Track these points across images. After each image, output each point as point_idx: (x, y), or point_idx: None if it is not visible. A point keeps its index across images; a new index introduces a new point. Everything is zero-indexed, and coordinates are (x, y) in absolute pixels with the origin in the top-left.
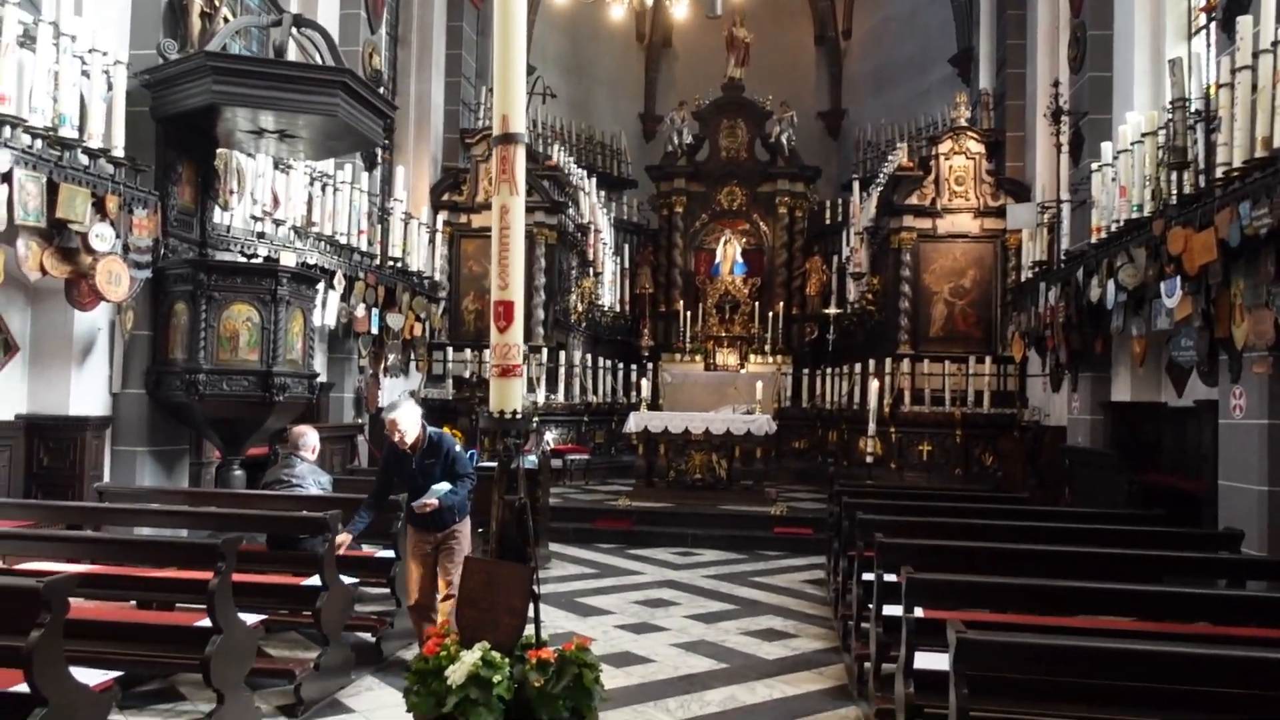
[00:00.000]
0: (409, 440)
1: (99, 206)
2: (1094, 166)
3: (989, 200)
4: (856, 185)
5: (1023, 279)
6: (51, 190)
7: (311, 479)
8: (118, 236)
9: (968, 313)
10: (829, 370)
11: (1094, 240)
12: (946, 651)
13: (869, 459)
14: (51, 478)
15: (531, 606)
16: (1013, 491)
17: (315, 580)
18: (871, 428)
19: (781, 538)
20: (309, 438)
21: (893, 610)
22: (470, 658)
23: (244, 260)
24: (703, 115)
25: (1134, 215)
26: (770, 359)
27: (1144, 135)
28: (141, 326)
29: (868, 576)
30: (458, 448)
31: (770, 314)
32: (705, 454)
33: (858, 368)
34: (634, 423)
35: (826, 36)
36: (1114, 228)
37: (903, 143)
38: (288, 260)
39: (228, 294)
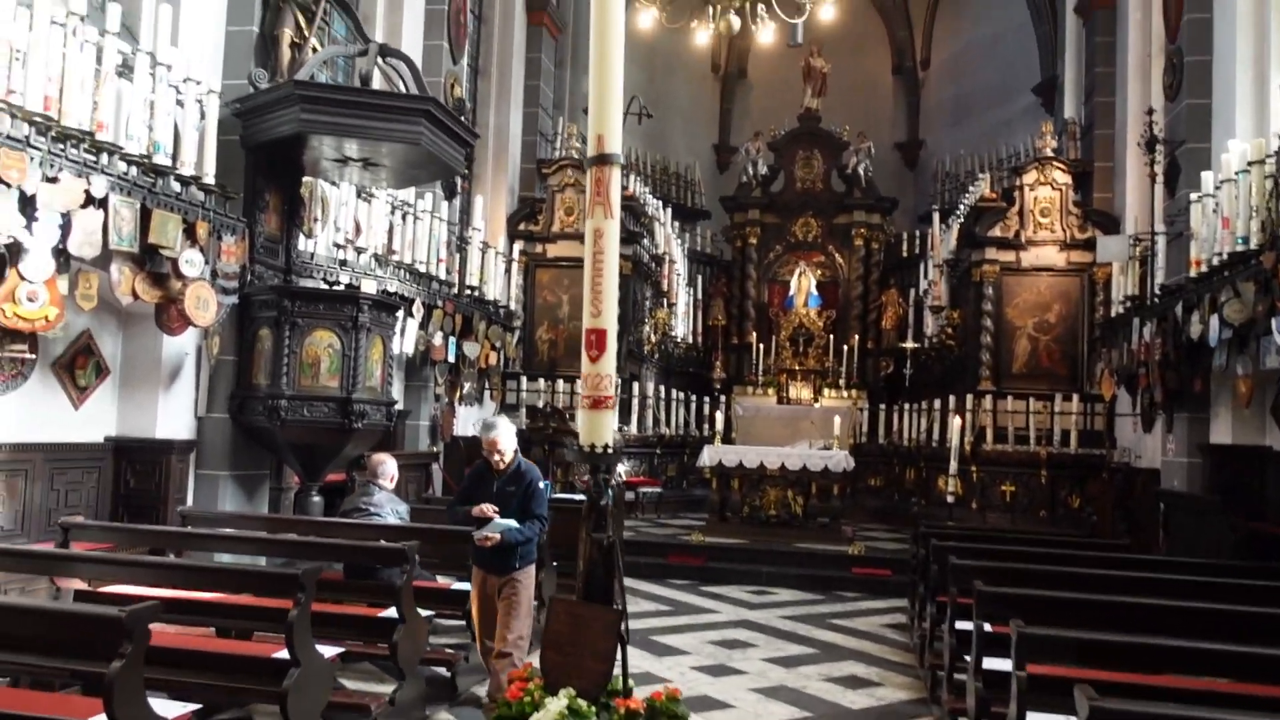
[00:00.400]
0: (506, 460)
1: (189, 233)
2: (1193, 197)
3: (1076, 232)
4: (936, 216)
5: (1113, 314)
6: (144, 216)
7: (389, 508)
8: (206, 262)
9: (1052, 349)
10: (907, 406)
11: (1193, 274)
12: (1061, 714)
13: (950, 499)
14: (138, 499)
15: (620, 652)
16: (1105, 536)
17: (391, 612)
18: (953, 466)
19: (860, 578)
20: (387, 466)
21: (992, 664)
22: (555, 705)
23: (326, 287)
24: (778, 146)
25: (1239, 248)
26: (845, 393)
27: (1250, 164)
28: (227, 352)
29: (963, 625)
30: (541, 484)
31: (845, 348)
32: (780, 490)
33: (937, 404)
34: (708, 456)
35: (904, 66)
36: (1216, 261)
37: (984, 173)
38: (368, 287)
39: (310, 320)
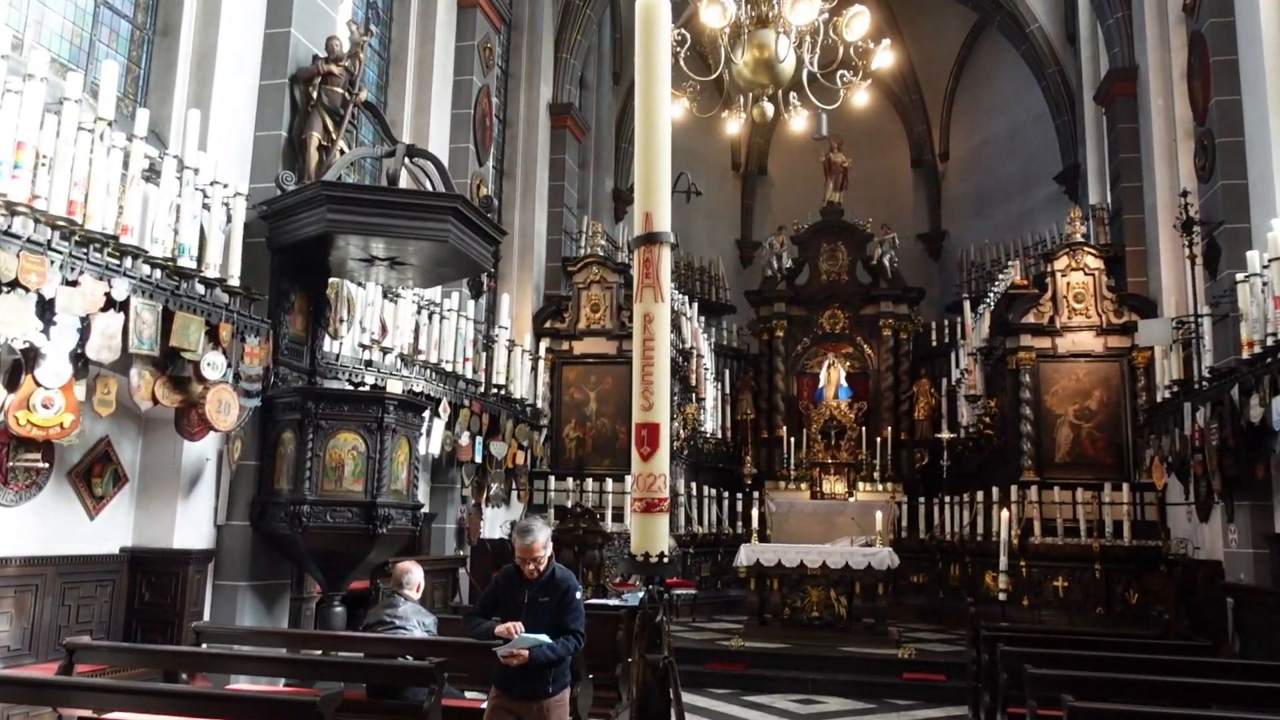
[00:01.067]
0: (542, 568)
1: (212, 335)
2: (1239, 277)
3: (1111, 317)
4: (966, 304)
5: (1159, 399)
6: (166, 319)
7: (415, 620)
8: (229, 365)
9: (1096, 436)
10: (947, 499)
11: (1246, 355)
12: None
13: (1002, 596)
14: (152, 613)
15: None
16: (1174, 634)
17: None
18: (1003, 562)
19: (911, 684)
20: (413, 575)
21: None
22: None
23: (351, 388)
24: (802, 239)
25: None
26: (880, 486)
27: None
28: (249, 456)
29: None
30: (579, 593)
31: (878, 440)
32: (822, 590)
33: (980, 496)
34: (745, 556)
35: (924, 159)
36: (1270, 341)
37: (1013, 260)
38: (394, 388)
39: (335, 422)
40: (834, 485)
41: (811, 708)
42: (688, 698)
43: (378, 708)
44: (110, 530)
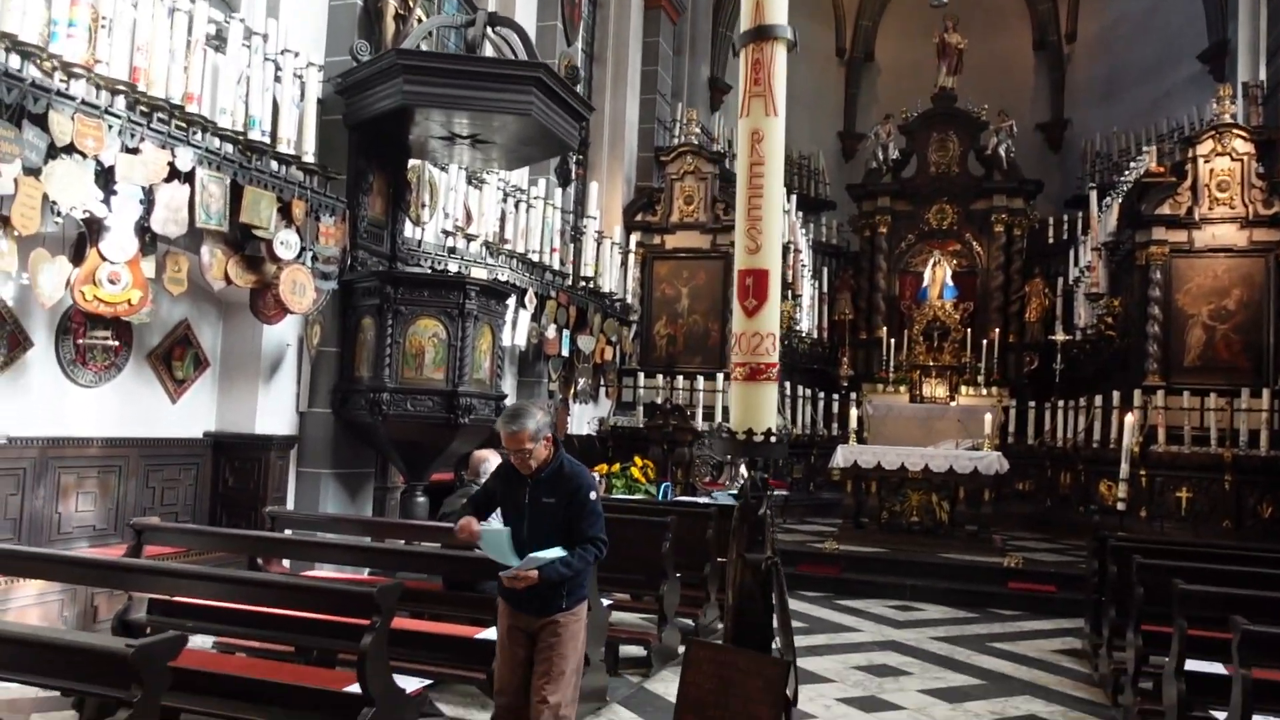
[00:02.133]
0: (534, 463)
1: (284, 212)
2: None
3: (1260, 208)
4: (1093, 195)
5: None
6: (235, 194)
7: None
8: (303, 245)
9: (1232, 339)
10: (1060, 403)
11: None
12: None
13: (1120, 506)
14: (236, 498)
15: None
16: None
17: (490, 633)
18: (1124, 470)
19: (1018, 595)
20: (490, 463)
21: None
22: None
23: (431, 273)
24: (910, 129)
25: None
26: (984, 391)
27: None
28: (329, 343)
29: (1195, 666)
30: (594, 493)
31: (984, 342)
32: (923, 494)
33: (1098, 400)
34: (842, 457)
35: (1047, 41)
36: None
37: (1148, 146)
38: (479, 277)
39: (415, 308)
40: (935, 389)
41: (910, 614)
42: None
43: (454, 599)
44: (192, 414)
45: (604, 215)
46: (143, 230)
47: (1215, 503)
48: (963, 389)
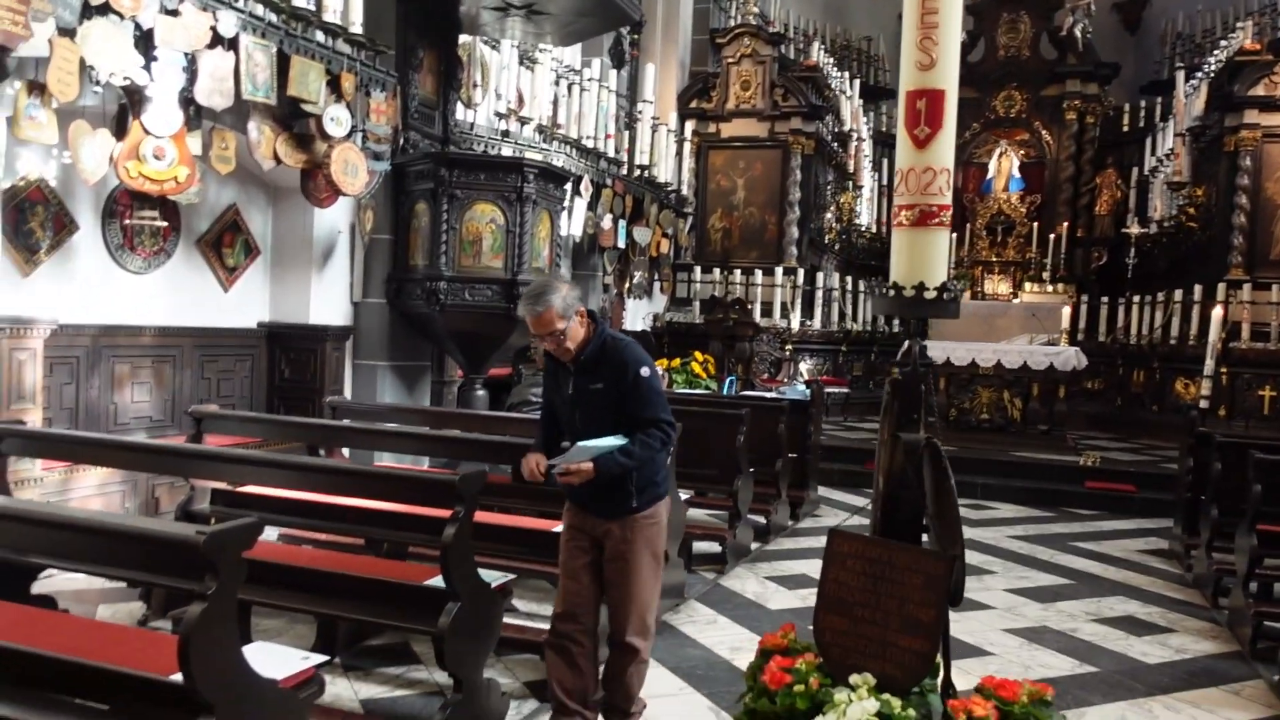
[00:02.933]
0: (571, 345)
1: (334, 86)
2: None
3: None
4: (1180, 75)
5: None
6: (282, 65)
7: None
8: (354, 122)
9: None
10: (1135, 299)
11: None
12: None
13: (1203, 404)
14: (293, 390)
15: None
16: None
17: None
18: (1209, 366)
19: (1095, 494)
20: None
21: None
22: (856, 708)
23: (487, 155)
24: (978, 9)
25: None
26: (1050, 287)
27: None
28: (382, 230)
29: None
30: (648, 369)
31: (1051, 236)
32: (994, 391)
33: (1177, 295)
34: None
35: None
36: None
37: (1242, 22)
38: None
39: (470, 192)
40: (997, 285)
41: (984, 513)
42: (846, 497)
43: (524, 492)
44: (245, 303)
45: (658, 102)
46: (187, 102)
47: None
48: (1027, 285)
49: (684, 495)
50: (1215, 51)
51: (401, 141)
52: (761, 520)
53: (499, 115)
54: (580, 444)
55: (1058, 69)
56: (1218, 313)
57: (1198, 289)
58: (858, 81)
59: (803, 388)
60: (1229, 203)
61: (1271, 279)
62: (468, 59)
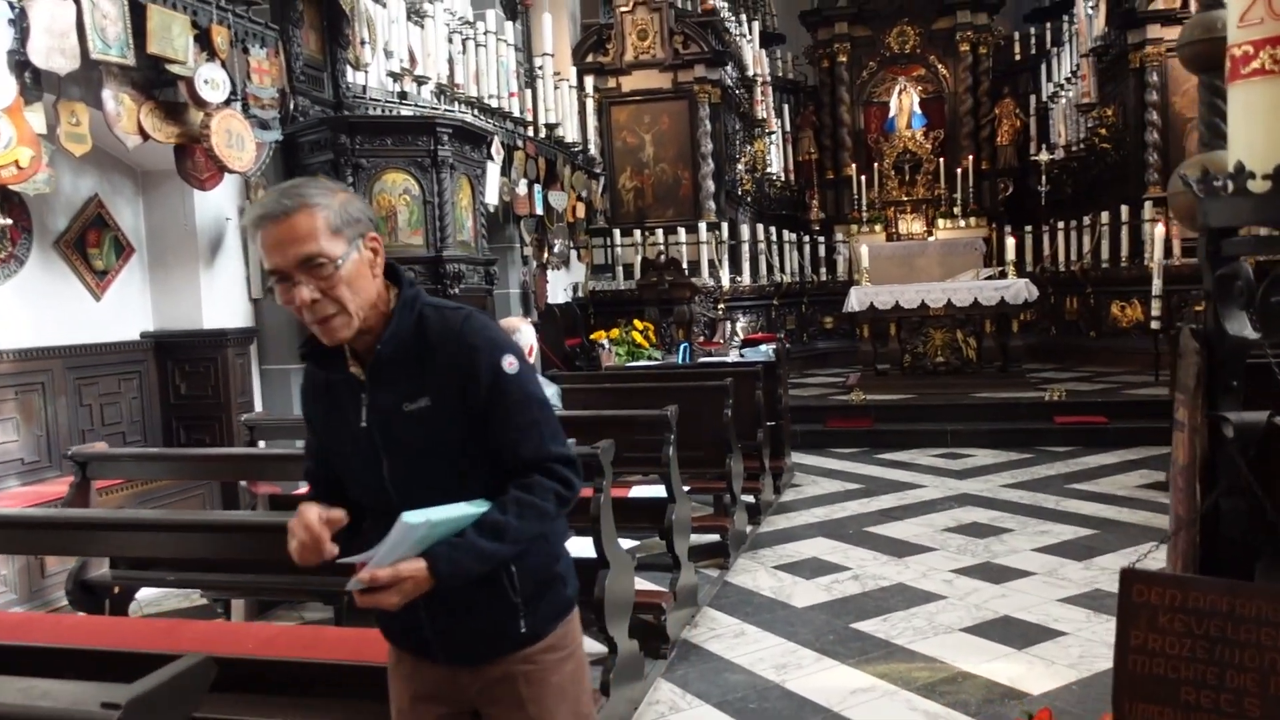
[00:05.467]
0: (351, 306)
1: (204, 42)
2: None
3: None
4: None
5: None
6: (138, 17)
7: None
8: (233, 85)
9: None
10: (1060, 225)
11: None
12: None
13: (1154, 325)
14: (192, 408)
15: None
16: None
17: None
18: (1156, 286)
19: (1066, 429)
20: (523, 335)
21: None
22: None
23: (394, 117)
24: None
25: None
26: (962, 222)
27: None
28: None
29: None
30: (513, 362)
31: (958, 171)
32: (947, 332)
33: (1104, 218)
34: (856, 300)
35: None
36: None
37: None
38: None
39: (377, 160)
40: (911, 225)
41: (962, 461)
42: (818, 460)
43: None
44: (123, 312)
45: (556, 57)
46: (20, 66)
47: None
48: (940, 222)
49: (686, 488)
50: None
51: (291, 107)
52: (751, 499)
53: (392, 76)
54: (404, 520)
55: (947, 1)
56: (1160, 230)
57: (1124, 210)
58: (756, 24)
59: (768, 348)
60: (1141, 121)
61: None
62: (352, 14)
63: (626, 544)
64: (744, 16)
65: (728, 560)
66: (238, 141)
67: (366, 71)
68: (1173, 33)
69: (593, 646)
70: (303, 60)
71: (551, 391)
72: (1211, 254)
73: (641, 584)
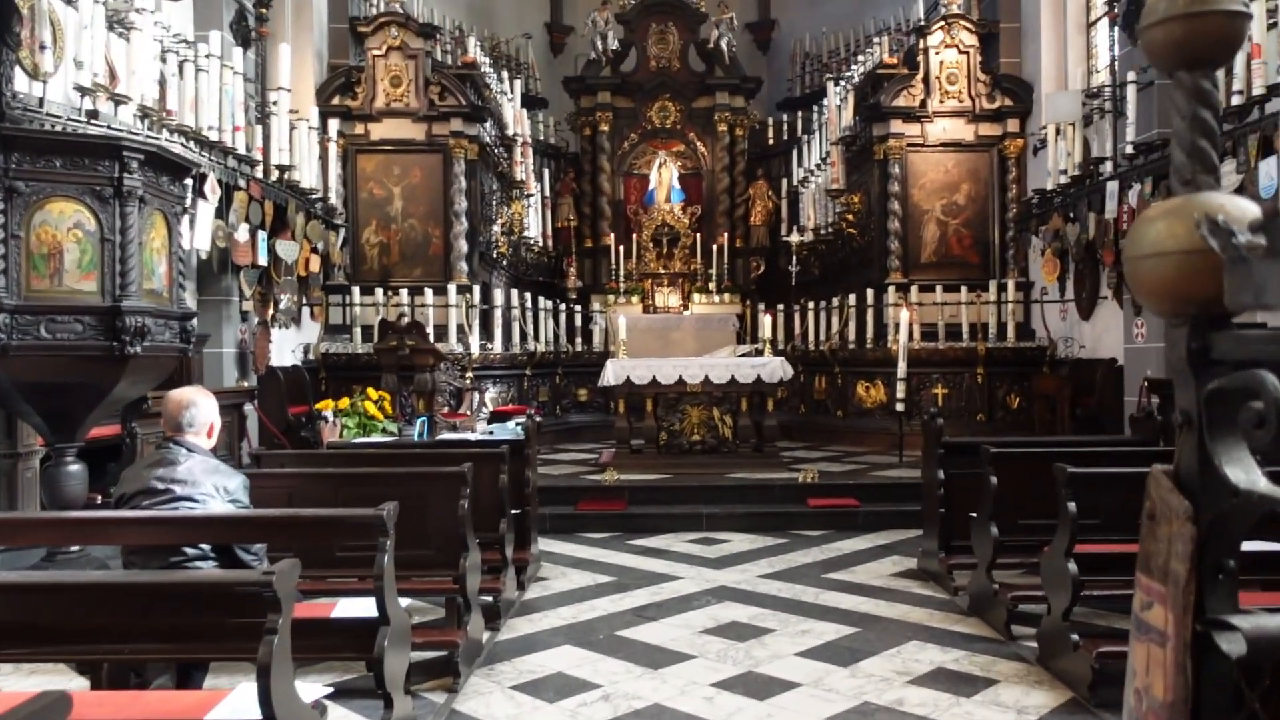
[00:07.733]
0: None
1: None
2: None
3: (984, 102)
4: (831, 86)
5: (1051, 185)
6: None
7: (210, 483)
8: None
9: (962, 234)
10: (811, 305)
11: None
12: None
13: (899, 407)
14: None
15: None
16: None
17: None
18: (902, 369)
19: (820, 512)
20: (199, 409)
21: None
22: None
23: (66, 134)
24: (628, 18)
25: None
26: (717, 298)
27: None
28: None
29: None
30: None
31: (714, 247)
32: (704, 409)
33: (852, 300)
34: (612, 373)
35: None
36: (1238, 99)
37: (880, 37)
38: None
39: (41, 184)
40: (668, 298)
41: (717, 548)
42: (567, 548)
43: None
44: None
45: (295, 94)
46: None
47: (969, 397)
48: (696, 297)
49: (404, 602)
50: (855, 64)
51: None
52: (489, 599)
53: (81, 91)
54: None
55: (707, 80)
56: (905, 315)
57: (870, 293)
58: (519, 83)
59: (517, 424)
60: (884, 209)
61: (928, 280)
62: (31, 13)
63: (315, 689)
64: (506, 74)
65: (457, 681)
66: None
67: (45, 82)
68: (913, 129)
69: None
70: None
71: (236, 484)
72: (1195, 354)
73: None
